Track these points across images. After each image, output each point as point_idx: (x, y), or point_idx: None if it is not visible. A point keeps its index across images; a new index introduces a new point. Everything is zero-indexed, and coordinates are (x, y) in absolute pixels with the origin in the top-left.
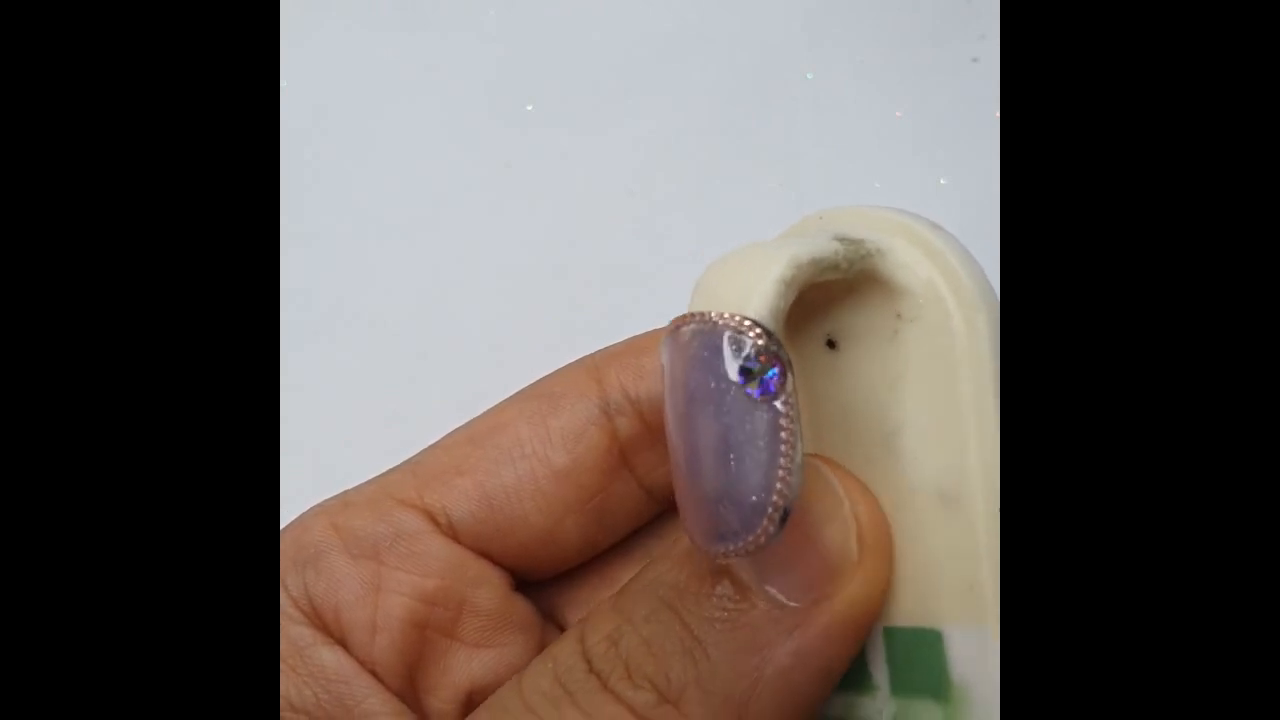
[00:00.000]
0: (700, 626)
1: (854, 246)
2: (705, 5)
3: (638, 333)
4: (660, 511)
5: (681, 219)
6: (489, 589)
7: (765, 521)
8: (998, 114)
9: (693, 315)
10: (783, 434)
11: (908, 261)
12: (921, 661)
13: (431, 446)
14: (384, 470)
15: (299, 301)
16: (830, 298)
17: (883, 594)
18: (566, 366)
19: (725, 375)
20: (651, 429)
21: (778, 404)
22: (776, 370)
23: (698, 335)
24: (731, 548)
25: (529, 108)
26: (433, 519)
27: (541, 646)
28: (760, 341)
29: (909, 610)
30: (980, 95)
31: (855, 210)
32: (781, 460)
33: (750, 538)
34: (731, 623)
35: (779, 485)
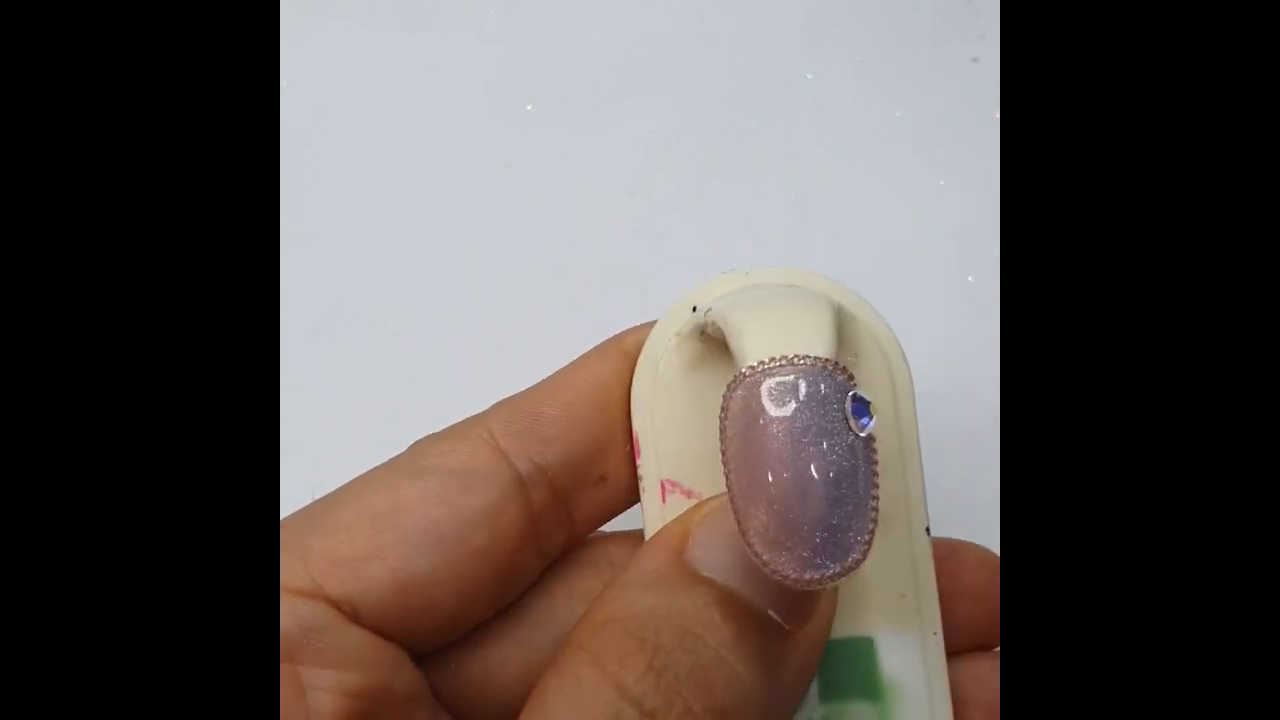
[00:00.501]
0: (729, 650)
1: (841, 308)
2: (705, 5)
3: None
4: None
5: (681, 219)
6: (402, 671)
7: (865, 544)
8: (998, 114)
9: (779, 360)
10: (875, 465)
11: (845, 318)
12: (853, 667)
13: (314, 522)
14: None
15: (299, 301)
16: None
17: (835, 611)
18: (457, 435)
19: (829, 413)
20: (558, 495)
21: (873, 441)
22: (870, 411)
23: (794, 379)
24: (833, 570)
25: (529, 108)
26: (335, 606)
27: (434, 716)
28: (853, 383)
29: (842, 622)
30: (980, 95)
31: (774, 270)
32: (875, 490)
33: (851, 560)
34: (755, 647)
35: (874, 514)
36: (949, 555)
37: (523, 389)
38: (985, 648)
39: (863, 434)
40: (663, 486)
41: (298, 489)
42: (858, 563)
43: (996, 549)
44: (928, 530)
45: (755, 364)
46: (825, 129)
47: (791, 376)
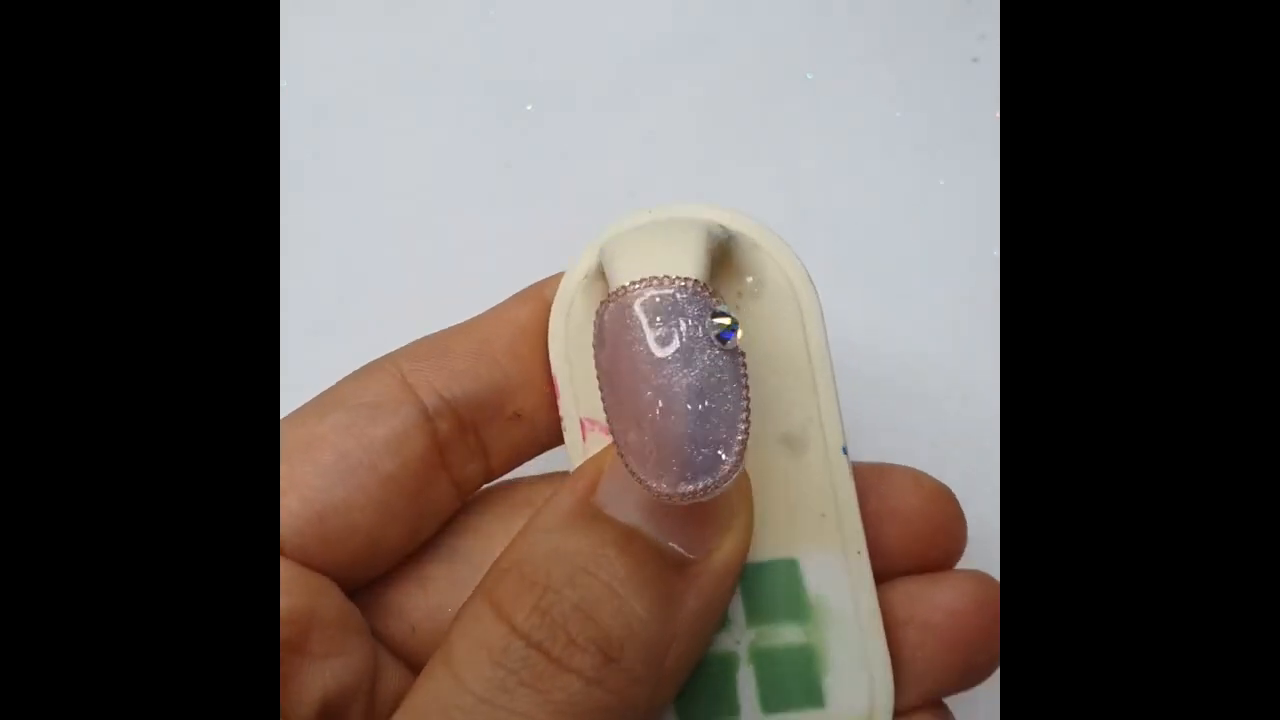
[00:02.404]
0: (622, 585)
1: (722, 229)
2: (705, 5)
3: None
4: (462, 507)
5: None
6: (329, 599)
7: (735, 458)
8: (998, 114)
9: (643, 281)
10: (744, 379)
11: (746, 246)
12: (778, 589)
13: None
14: None
15: (299, 301)
16: None
17: (751, 536)
18: (367, 372)
19: (692, 330)
20: (466, 427)
21: (739, 354)
22: (735, 325)
23: (656, 299)
24: (701, 486)
25: (529, 108)
26: None
27: (374, 650)
28: (714, 301)
29: (764, 545)
30: (980, 95)
31: (685, 205)
32: (744, 404)
33: (718, 475)
34: (649, 579)
35: (743, 426)
36: (879, 479)
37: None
38: (920, 570)
39: (726, 349)
40: (582, 425)
41: None
42: (729, 475)
43: (996, 549)
44: (844, 450)
45: (621, 286)
46: (825, 129)
47: (653, 295)
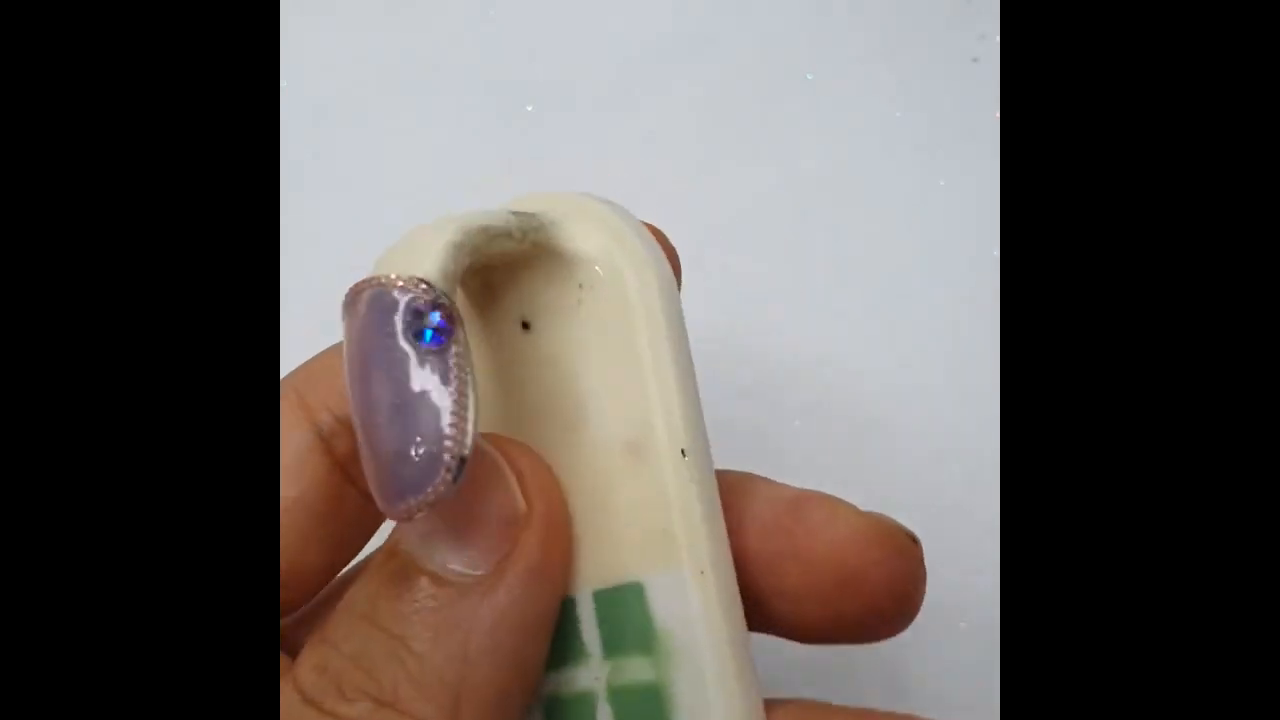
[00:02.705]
0: (399, 626)
1: (526, 218)
2: (705, 5)
3: None
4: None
5: (682, 218)
6: None
7: (443, 470)
8: (998, 114)
9: (367, 280)
10: (453, 384)
11: (581, 232)
12: (628, 617)
13: None
14: None
15: (299, 301)
16: (519, 280)
17: (563, 535)
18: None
19: (397, 332)
20: None
21: (449, 356)
22: (444, 323)
23: (372, 298)
24: (414, 502)
25: (529, 108)
26: None
27: None
28: (428, 297)
29: (614, 568)
30: (980, 95)
31: (535, 194)
32: (451, 408)
33: (429, 489)
34: (426, 611)
35: (450, 431)
36: (790, 509)
37: None
38: (847, 635)
39: (448, 354)
40: None
41: None
42: (439, 490)
43: (996, 549)
44: (683, 453)
45: (355, 284)
46: (825, 129)
47: (370, 294)
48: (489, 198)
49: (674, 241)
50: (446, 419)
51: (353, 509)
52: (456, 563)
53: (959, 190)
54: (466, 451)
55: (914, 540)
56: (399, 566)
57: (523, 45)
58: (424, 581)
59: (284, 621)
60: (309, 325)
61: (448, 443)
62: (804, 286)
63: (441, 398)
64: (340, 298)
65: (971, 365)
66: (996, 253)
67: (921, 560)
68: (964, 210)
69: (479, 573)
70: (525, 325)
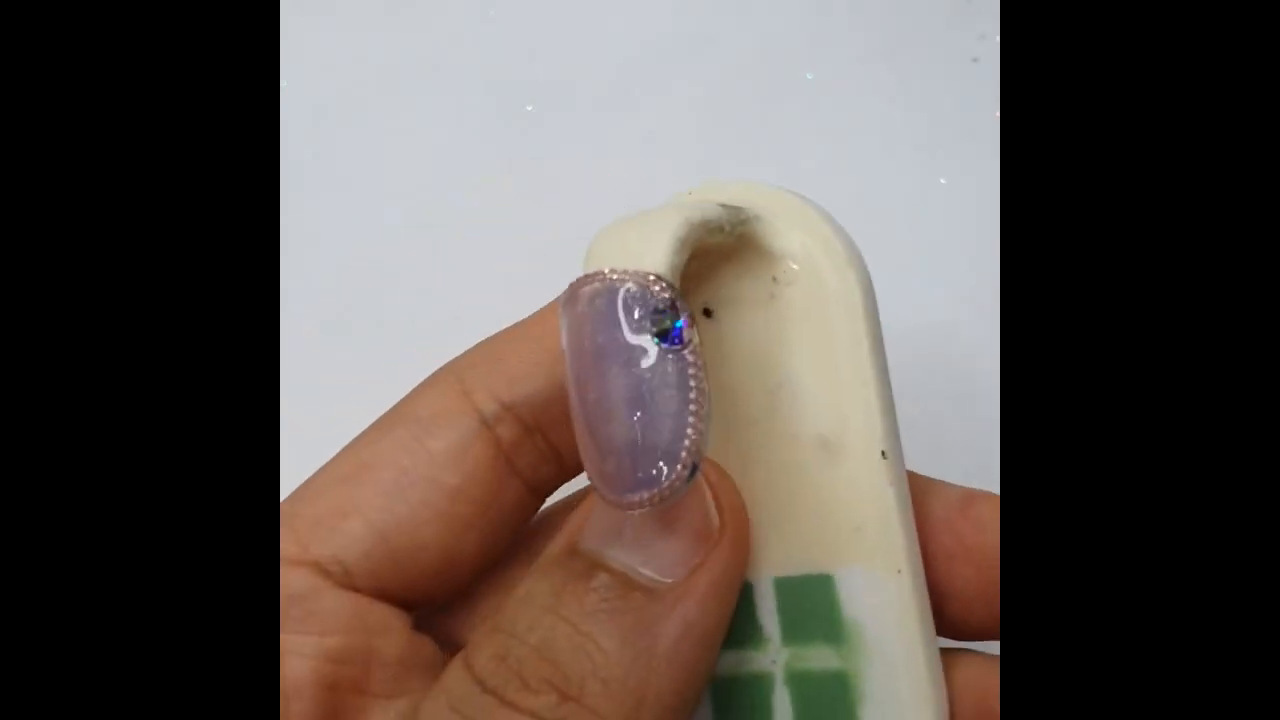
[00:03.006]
0: (586, 622)
1: (735, 212)
2: (705, 5)
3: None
4: (542, 511)
5: None
6: (392, 636)
7: (680, 468)
8: (998, 114)
9: (593, 275)
10: (692, 382)
11: (783, 227)
12: (813, 608)
13: (296, 495)
14: None
15: (299, 301)
16: (706, 269)
17: (746, 552)
18: (426, 385)
19: (633, 328)
20: (531, 430)
21: (686, 353)
22: (684, 321)
23: (602, 293)
24: (645, 495)
25: (529, 108)
26: (324, 571)
27: None
28: (666, 294)
29: (799, 559)
30: (980, 95)
31: (728, 183)
32: (693, 408)
33: (664, 484)
34: (615, 611)
35: (690, 432)
36: (956, 508)
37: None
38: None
39: (686, 351)
40: None
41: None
42: (675, 487)
43: (996, 550)
44: (883, 455)
45: (577, 279)
46: (825, 129)
47: (597, 289)
48: (489, 198)
49: None
50: (687, 418)
51: (513, 499)
52: (646, 567)
53: (959, 190)
54: (702, 453)
55: None
56: (585, 565)
57: (523, 45)
58: (612, 580)
59: (431, 612)
60: (309, 325)
61: (687, 441)
62: None
63: (682, 395)
64: (340, 297)
65: (971, 365)
66: (996, 253)
67: None
68: (964, 210)
69: (668, 580)
70: (708, 313)
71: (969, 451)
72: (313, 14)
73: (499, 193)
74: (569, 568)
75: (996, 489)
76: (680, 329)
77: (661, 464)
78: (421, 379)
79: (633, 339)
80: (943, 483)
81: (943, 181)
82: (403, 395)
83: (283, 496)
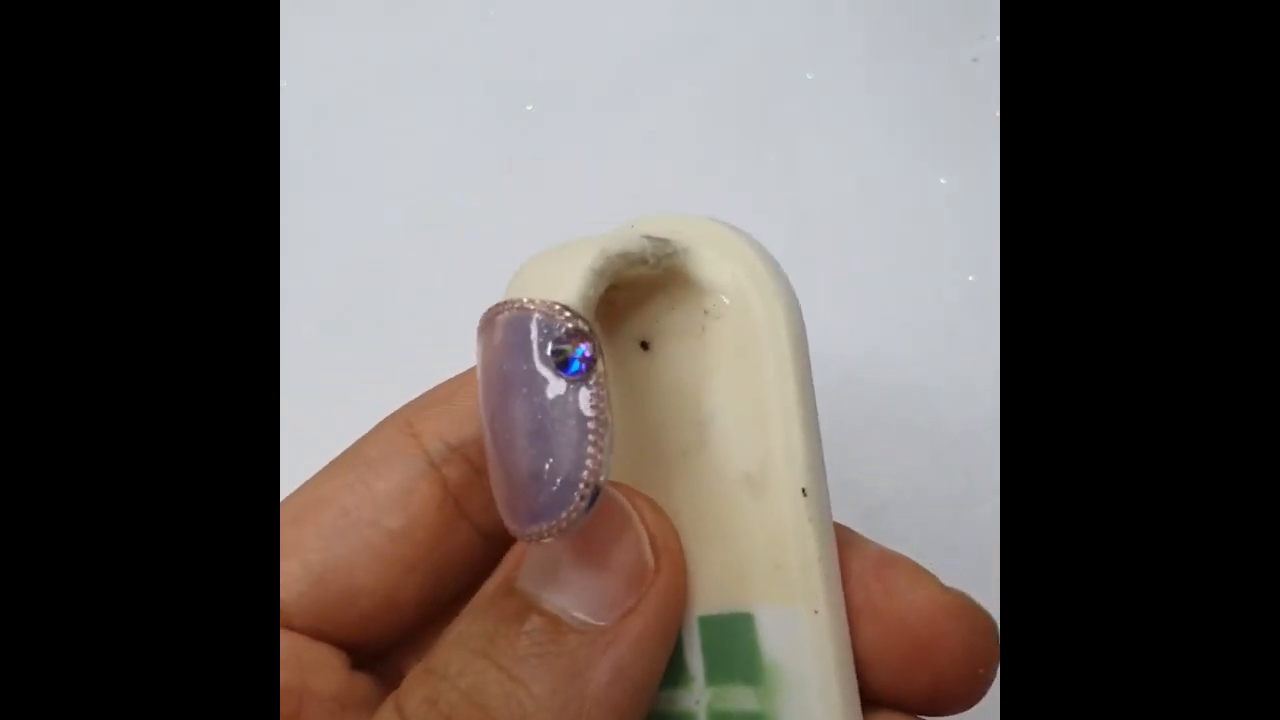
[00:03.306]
0: (517, 667)
1: (660, 244)
2: (705, 5)
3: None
4: (495, 556)
5: None
6: (327, 672)
7: (577, 498)
8: (998, 114)
9: (505, 303)
10: (592, 412)
11: (712, 259)
12: (734, 646)
13: None
14: None
15: (299, 302)
16: (642, 301)
17: (682, 595)
18: (375, 430)
19: (537, 357)
20: (480, 471)
21: (589, 384)
22: (586, 350)
23: (510, 321)
24: (545, 526)
25: (529, 108)
26: None
27: None
28: (570, 325)
29: (722, 596)
30: (980, 95)
31: (663, 217)
32: (591, 438)
33: (563, 515)
34: (547, 655)
35: (588, 462)
36: (876, 566)
37: (331, 462)
38: (909, 706)
39: (589, 381)
40: None
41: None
42: (571, 518)
43: (996, 550)
44: (804, 492)
45: (492, 306)
46: (825, 129)
47: (508, 318)
48: (489, 198)
49: None
50: (586, 448)
51: (460, 543)
52: (578, 610)
53: (959, 190)
54: (602, 481)
55: (991, 621)
56: (518, 606)
57: (523, 45)
58: (544, 624)
59: (375, 653)
60: (309, 324)
61: (585, 471)
62: (803, 286)
63: (581, 425)
64: (340, 297)
65: (971, 365)
66: (996, 253)
67: (997, 642)
68: (964, 210)
69: (601, 623)
70: (644, 345)
71: (969, 451)
72: (313, 14)
73: (499, 193)
74: (502, 608)
75: (996, 489)
76: (580, 359)
77: (560, 494)
78: (421, 379)
79: (538, 368)
80: (865, 539)
81: (943, 181)
82: (402, 395)
83: (283, 496)
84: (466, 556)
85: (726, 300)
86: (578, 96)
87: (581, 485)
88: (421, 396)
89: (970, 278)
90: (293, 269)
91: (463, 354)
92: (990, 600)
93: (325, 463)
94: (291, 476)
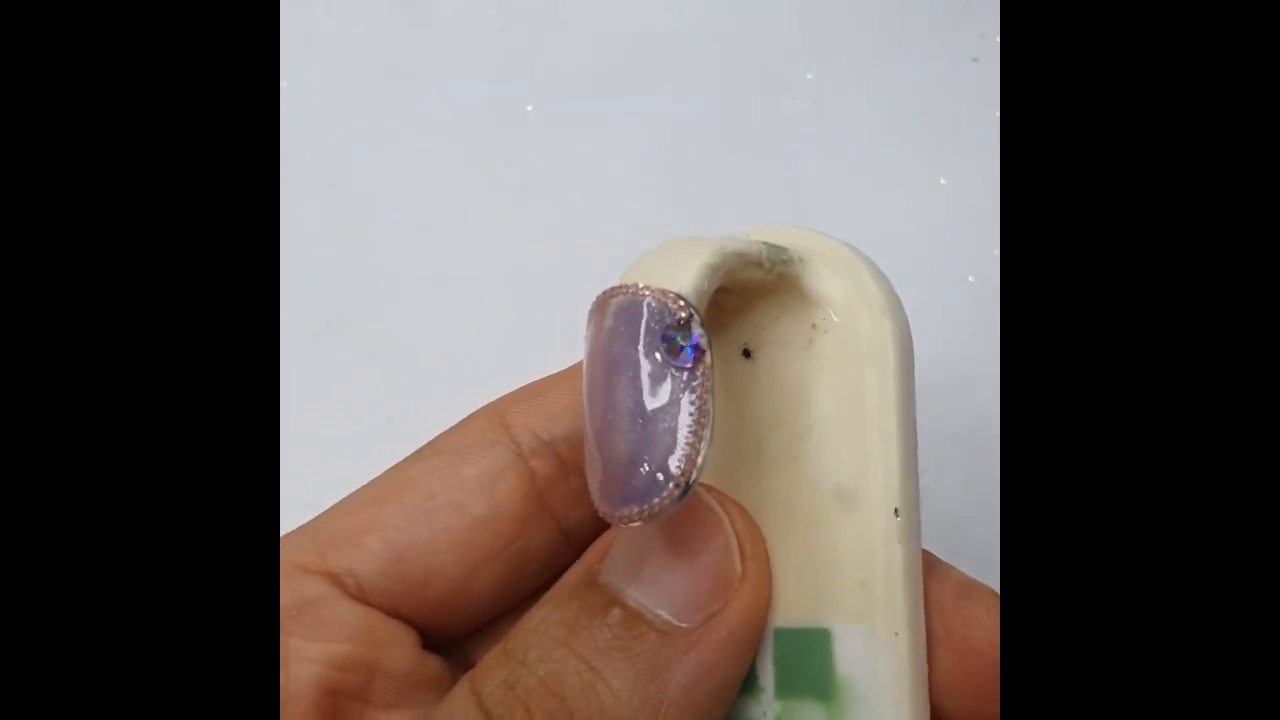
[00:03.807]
0: (597, 659)
1: (777, 251)
2: (705, 5)
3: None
4: (573, 557)
5: (682, 219)
6: (399, 649)
7: (672, 485)
8: (998, 114)
9: (621, 288)
10: (695, 403)
11: (825, 273)
12: (808, 661)
13: (329, 510)
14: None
15: (299, 302)
16: (749, 308)
17: (766, 604)
18: (468, 418)
19: (648, 343)
20: (567, 468)
21: (697, 374)
22: (697, 340)
23: (624, 306)
24: (637, 509)
25: (529, 108)
26: (337, 581)
27: None
28: (683, 314)
29: (800, 610)
30: (980, 95)
31: (778, 227)
32: (692, 426)
33: (656, 500)
34: (627, 650)
35: (687, 449)
36: (955, 593)
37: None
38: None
39: (696, 372)
40: None
41: (298, 491)
42: (667, 503)
43: (996, 550)
44: (896, 512)
45: (606, 290)
46: (825, 129)
47: (621, 300)
48: (489, 198)
49: None
50: (685, 435)
51: (543, 538)
52: (662, 608)
53: (959, 190)
54: (698, 471)
55: None
56: (602, 598)
57: (523, 45)
58: (627, 619)
59: (448, 641)
60: (309, 324)
61: (682, 459)
62: None
63: (684, 414)
64: (339, 297)
65: (971, 365)
66: (996, 253)
67: None
68: (964, 210)
69: (684, 625)
70: (747, 353)
71: (969, 451)
72: (313, 14)
73: (499, 193)
74: (585, 599)
75: (996, 489)
76: (693, 349)
77: (654, 480)
78: (420, 379)
79: (646, 353)
80: (948, 565)
81: (943, 181)
82: (401, 397)
83: (283, 497)
84: (546, 552)
85: (835, 317)
86: (578, 96)
87: (677, 473)
88: (514, 391)
89: (970, 278)
90: (293, 269)
91: (462, 354)
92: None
93: (324, 461)
94: (291, 475)
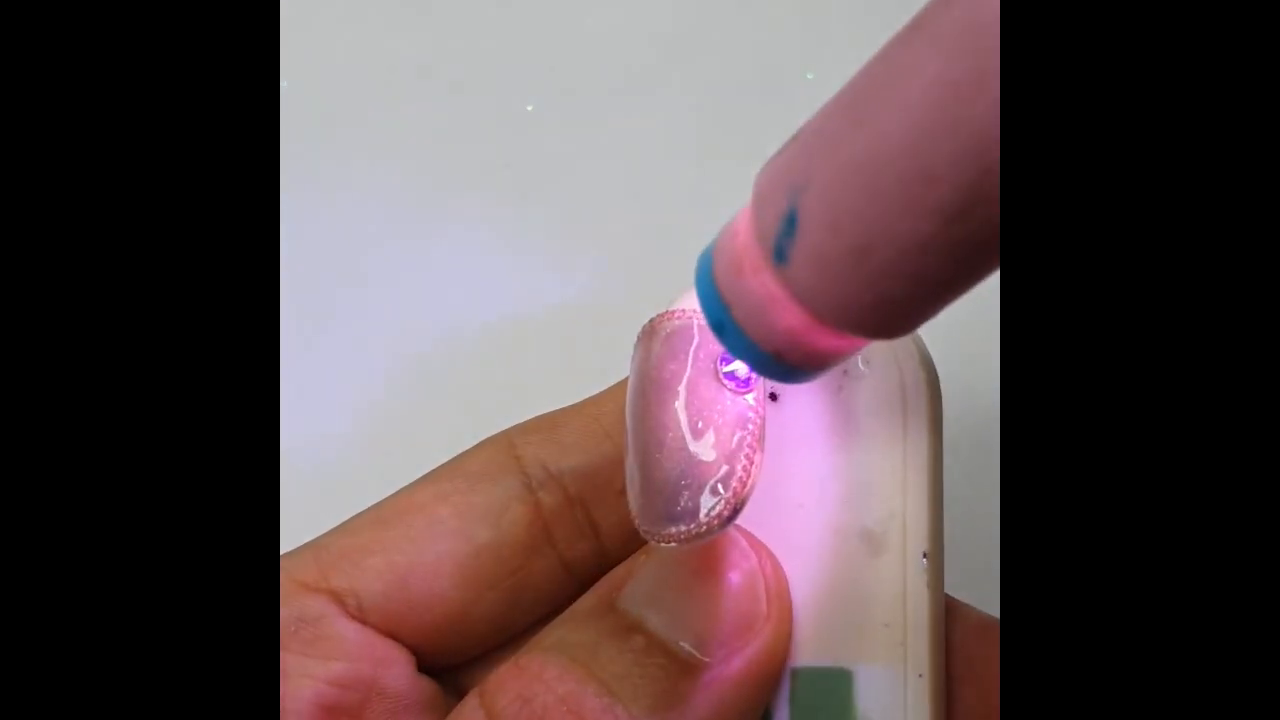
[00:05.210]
0: (617, 683)
1: None
2: (705, 5)
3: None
4: (576, 594)
5: (682, 219)
6: (397, 670)
7: (721, 506)
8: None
9: (676, 311)
10: (750, 426)
11: None
12: (828, 701)
13: (334, 529)
14: (385, 475)
15: (299, 301)
16: None
17: (788, 644)
18: (479, 445)
19: (704, 365)
20: (573, 501)
21: (750, 399)
22: (749, 374)
23: (679, 330)
24: (682, 530)
25: (529, 108)
26: (338, 600)
27: None
28: None
29: (820, 650)
30: None
31: None
32: (745, 450)
33: (704, 519)
34: (648, 678)
35: (741, 472)
36: (978, 637)
37: (520, 388)
38: None
39: (750, 397)
40: None
41: (298, 492)
42: (712, 525)
43: (996, 550)
44: (925, 556)
45: (660, 314)
46: None
47: (678, 325)
48: (489, 198)
49: (674, 242)
50: (740, 459)
51: (543, 569)
52: (685, 639)
53: None
54: (745, 500)
55: None
56: (622, 623)
57: (523, 45)
58: (650, 646)
59: (444, 667)
60: (309, 324)
61: (735, 482)
62: None
63: (737, 439)
64: (339, 297)
65: (971, 365)
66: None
67: None
68: None
69: (707, 659)
70: (773, 397)
71: (969, 453)
72: (313, 14)
73: (499, 193)
74: (606, 623)
75: (996, 489)
76: (749, 375)
77: (704, 500)
78: (420, 379)
79: (702, 374)
80: (967, 605)
81: None
82: (401, 397)
83: (281, 496)
84: (547, 584)
85: (863, 367)
86: (578, 96)
87: (730, 494)
88: (526, 421)
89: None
90: (293, 269)
91: (462, 354)
92: (990, 600)
93: (323, 462)
94: (290, 476)
